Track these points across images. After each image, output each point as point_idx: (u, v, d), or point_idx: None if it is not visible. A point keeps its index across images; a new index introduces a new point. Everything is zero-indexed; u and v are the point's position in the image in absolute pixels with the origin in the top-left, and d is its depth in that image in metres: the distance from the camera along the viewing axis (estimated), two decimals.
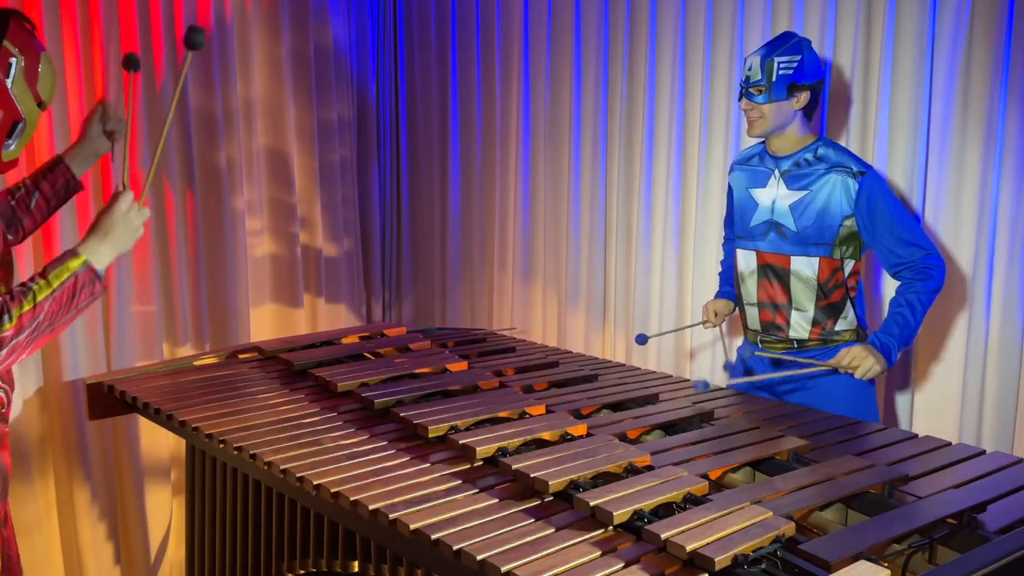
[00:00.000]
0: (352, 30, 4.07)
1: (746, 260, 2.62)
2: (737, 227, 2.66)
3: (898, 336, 2.37)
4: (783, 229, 2.50)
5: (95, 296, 1.79)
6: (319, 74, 3.90)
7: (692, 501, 1.64)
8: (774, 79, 2.43)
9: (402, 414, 2.06)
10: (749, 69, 2.49)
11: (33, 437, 3.10)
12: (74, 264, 1.75)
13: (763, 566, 1.43)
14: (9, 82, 1.80)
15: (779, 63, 2.43)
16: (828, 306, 2.51)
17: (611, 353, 3.59)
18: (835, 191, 2.42)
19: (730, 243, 2.82)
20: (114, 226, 1.81)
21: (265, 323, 3.82)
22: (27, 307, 1.68)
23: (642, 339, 2.88)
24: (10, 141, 1.85)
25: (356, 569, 1.91)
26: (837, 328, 2.53)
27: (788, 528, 1.51)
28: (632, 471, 1.77)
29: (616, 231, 3.55)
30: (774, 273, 2.55)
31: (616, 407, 2.29)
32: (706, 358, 3.30)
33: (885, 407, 2.81)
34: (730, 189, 2.73)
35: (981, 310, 2.61)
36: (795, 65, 2.43)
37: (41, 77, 1.87)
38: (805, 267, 2.48)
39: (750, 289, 2.62)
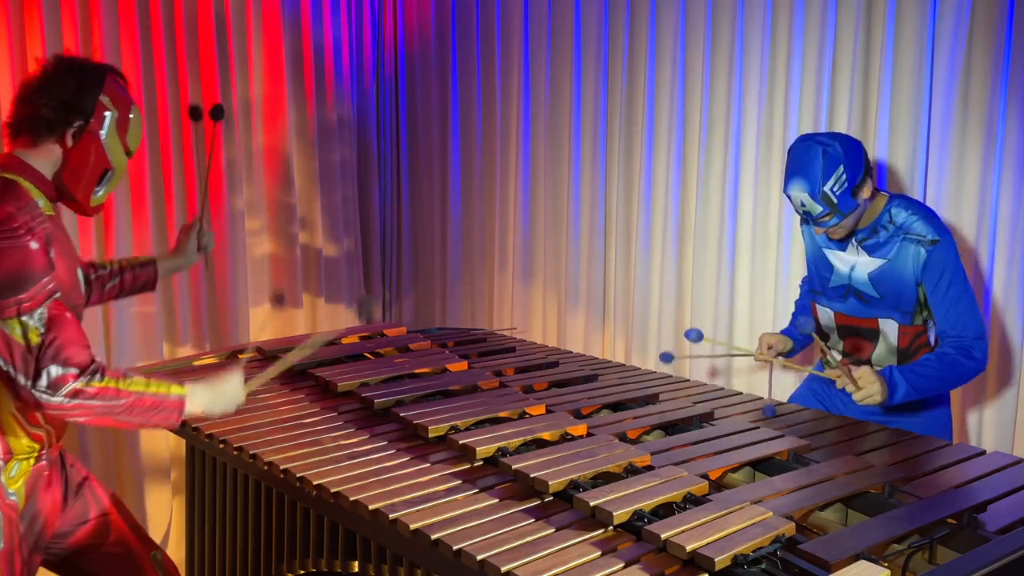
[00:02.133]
0: (352, 30, 4.07)
1: (826, 317, 2.50)
2: (815, 282, 2.54)
3: (912, 380, 2.23)
4: (864, 295, 2.39)
5: (166, 423, 1.87)
6: (319, 74, 3.90)
7: (692, 501, 1.64)
8: (837, 202, 2.25)
9: (402, 414, 2.06)
10: (803, 205, 2.29)
11: None
12: (176, 390, 1.85)
13: (763, 566, 1.43)
14: (103, 133, 1.92)
15: (831, 189, 2.24)
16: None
17: (611, 353, 3.59)
18: (909, 259, 2.29)
19: (808, 286, 2.65)
20: (223, 393, 1.94)
21: (265, 323, 3.82)
22: (120, 385, 1.78)
23: (667, 357, 2.64)
24: (99, 188, 1.97)
25: (356, 569, 1.91)
26: None
27: (788, 528, 1.51)
28: (632, 471, 1.77)
29: (616, 231, 3.55)
30: (858, 332, 2.44)
31: (616, 407, 2.29)
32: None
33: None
34: (804, 235, 2.58)
35: (981, 310, 2.61)
36: (844, 177, 2.24)
37: (131, 129, 1.98)
38: (889, 329, 2.37)
39: (834, 340, 2.51)
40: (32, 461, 1.94)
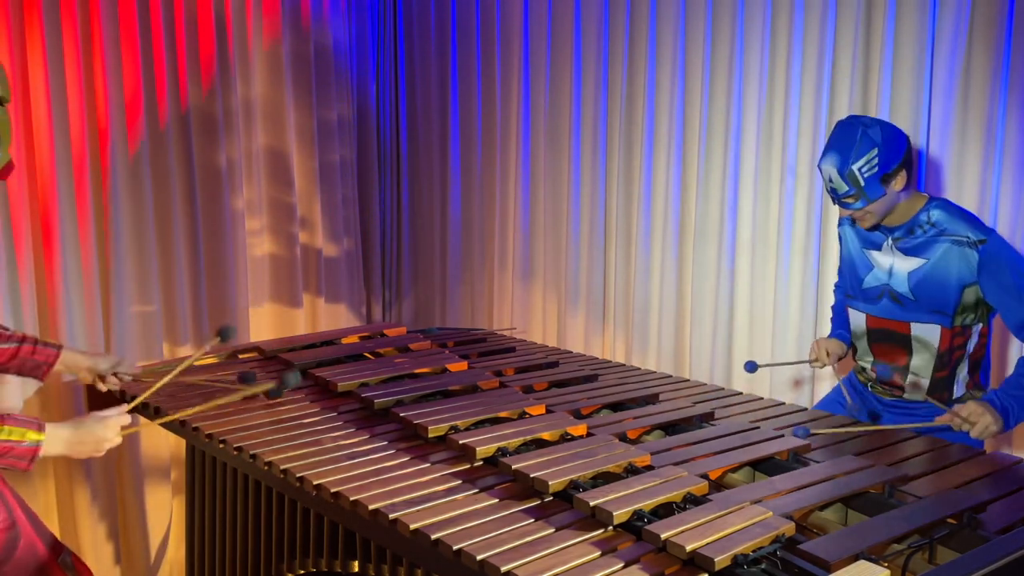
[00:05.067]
0: (352, 30, 4.07)
1: (856, 321, 2.46)
2: (849, 284, 2.50)
3: (1019, 399, 2.14)
4: (899, 296, 2.34)
5: (13, 468, 1.79)
6: (319, 74, 3.90)
7: (692, 501, 1.64)
8: (863, 184, 2.21)
9: (402, 414, 2.06)
10: (830, 181, 2.26)
11: None
12: (31, 436, 1.78)
13: (763, 566, 1.43)
14: None
15: (859, 169, 2.20)
16: (947, 374, 2.35)
17: (611, 353, 3.59)
18: (954, 261, 2.23)
19: (842, 292, 2.63)
20: (92, 434, 1.84)
21: (265, 323, 3.82)
22: None
23: (752, 367, 2.62)
24: None
25: (356, 569, 1.91)
26: (956, 395, 2.36)
27: (788, 528, 1.51)
28: (632, 471, 1.77)
29: (616, 231, 3.55)
30: (890, 337, 2.39)
31: (616, 407, 2.29)
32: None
33: None
34: (840, 239, 2.55)
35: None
36: (876, 161, 2.20)
37: None
38: (927, 334, 2.31)
39: (864, 347, 2.47)
40: None
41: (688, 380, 2.63)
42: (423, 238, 4.31)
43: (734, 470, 1.89)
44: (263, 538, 2.15)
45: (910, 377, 2.37)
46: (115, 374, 2.34)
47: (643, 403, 2.33)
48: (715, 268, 3.23)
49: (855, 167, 2.20)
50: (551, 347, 3.05)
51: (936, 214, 2.28)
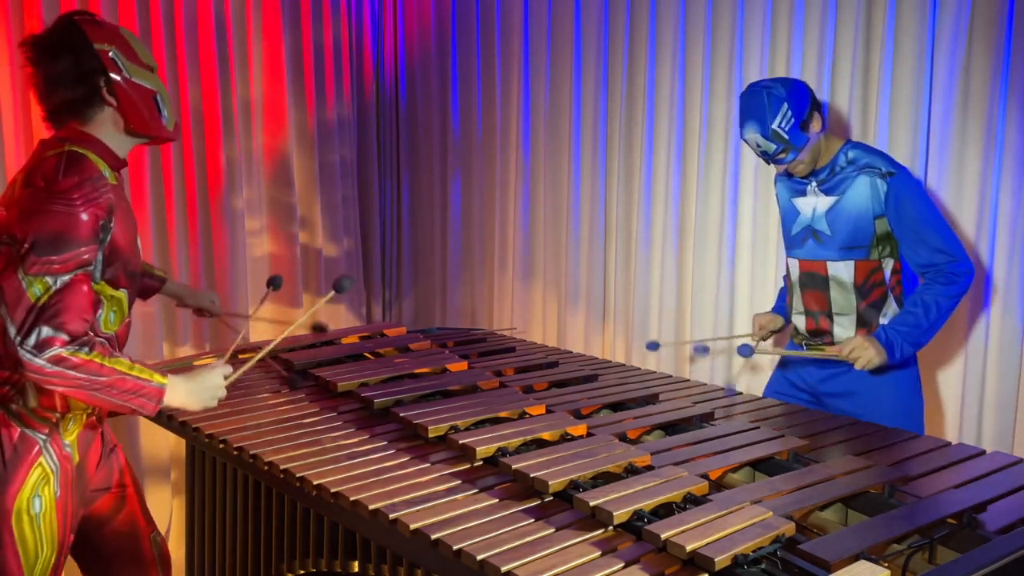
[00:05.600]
0: (352, 30, 4.07)
1: (793, 269, 2.59)
2: (784, 237, 2.64)
3: (906, 334, 2.34)
4: (820, 235, 2.48)
5: (142, 410, 1.85)
6: (319, 74, 3.90)
7: (692, 501, 1.64)
8: (788, 138, 2.39)
9: (402, 414, 2.06)
10: (758, 146, 2.43)
11: None
12: (157, 378, 1.85)
13: (763, 566, 1.43)
14: (124, 71, 1.92)
15: (779, 125, 2.38)
16: (869, 307, 2.47)
17: (611, 353, 3.59)
18: (865, 192, 2.39)
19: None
20: (204, 384, 1.93)
21: (265, 323, 3.82)
22: (103, 361, 1.76)
23: (653, 346, 2.77)
24: (162, 113, 1.99)
25: (356, 569, 1.91)
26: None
27: (788, 528, 1.51)
28: (632, 471, 1.77)
29: (616, 231, 3.55)
30: (814, 280, 2.52)
31: (616, 407, 2.29)
32: (714, 364, 3.30)
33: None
34: (777, 199, 2.69)
35: (981, 310, 2.61)
36: (790, 113, 2.38)
37: (135, 48, 1.97)
38: (842, 271, 2.46)
39: (798, 297, 2.59)
40: (84, 417, 2.01)
41: (688, 380, 2.63)
42: (423, 238, 4.31)
43: (734, 470, 1.88)
44: (263, 538, 2.15)
45: (836, 319, 2.50)
46: (202, 310, 2.60)
47: (643, 403, 2.32)
48: (715, 268, 3.23)
49: (775, 126, 2.38)
50: (551, 347, 3.05)
51: (853, 152, 2.45)
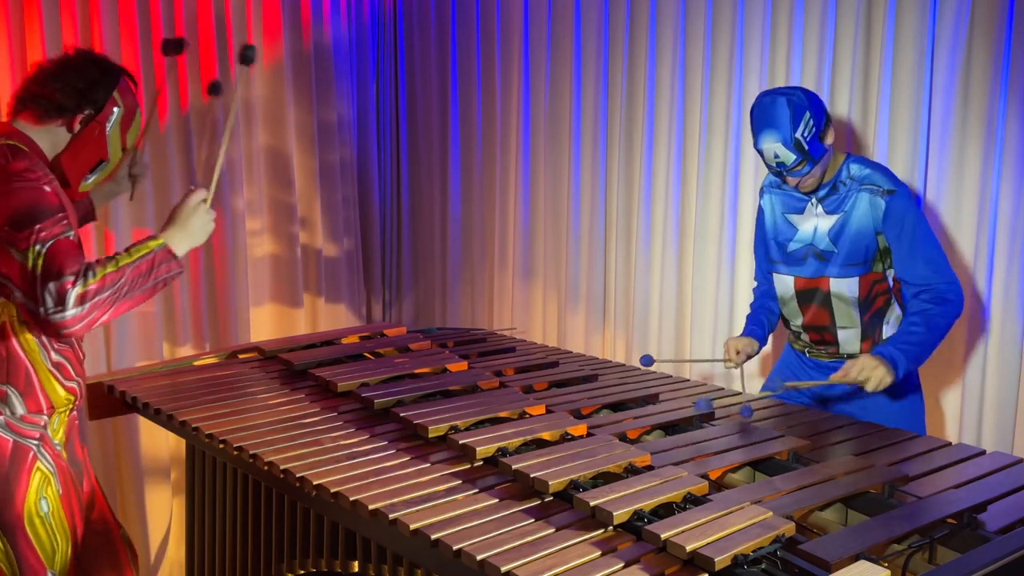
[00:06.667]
0: (352, 30, 4.07)
1: (784, 285, 2.53)
2: (772, 252, 2.56)
3: (907, 351, 2.27)
4: (823, 253, 2.42)
5: (172, 273, 1.96)
6: (319, 74, 3.90)
7: (692, 501, 1.64)
8: (807, 148, 2.30)
9: (402, 414, 2.06)
10: (776, 156, 2.32)
11: None
12: (153, 244, 1.94)
13: (763, 566, 1.43)
14: (109, 126, 2.06)
15: (802, 134, 2.29)
16: (874, 316, 2.44)
17: (611, 353, 3.59)
18: (866, 209, 2.35)
19: (763, 272, 2.69)
20: (188, 217, 2.01)
21: (265, 323, 3.82)
22: (110, 268, 1.85)
23: (647, 360, 2.66)
24: (91, 175, 2.10)
25: (356, 569, 1.91)
26: (887, 335, 2.44)
27: (788, 528, 1.51)
28: (632, 471, 1.77)
29: (616, 231, 3.55)
30: (814, 297, 2.47)
31: (616, 407, 2.29)
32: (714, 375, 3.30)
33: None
34: (761, 212, 2.62)
35: (981, 310, 2.61)
36: (812, 122, 2.29)
37: (132, 127, 2.12)
38: (845, 287, 2.41)
39: (793, 311, 2.54)
40: (67, 413, 2.09)
41: (688, 380, 2.63)
42: (423, 238, 4.31)
43: (734, 470, 1.89)
44: (263, 538, 2.15)
45: (840, 333, 2.47)
46: (132, 173, 2.45)
47: (643, 403, 2.33)
48: (715, 268, 3.23)
49: (798, 135, 2.29)
50: (551, 347, 3.05)
51: (855, 168, 2.40)
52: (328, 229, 4.01)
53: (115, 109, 2.06)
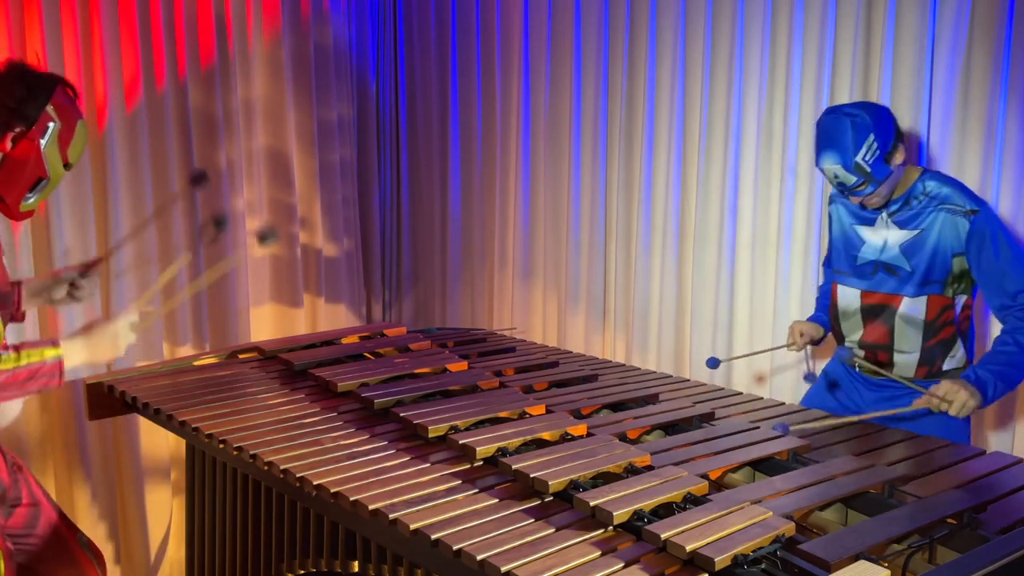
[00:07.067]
0: (352, 30, 4.07)
1: (848, 298, 2.47)
2: (839, 262, 2.50)
3: (997, 373, 2.17)
4: (894, 269, 2.36)
5: (47, 388, 1.91)
6: (319, 74, 3.90)
7: (692, 501, 1.64)
8: (870, 170, 2.23)
9: (402, 414, 2.06)
10: (836, 177, 2.27)
11: (33, 437, 3.10)
12: (48, 353, 1.89)
13: (763, 566, 1.43)
14: (44, 143, 1.97)
15: (863, 158, 2.22)
16: (938, 344, 2.35)
17: (611, 353, 3.59)
18: (946, 230, 2.27)
19: (829, 273, 2.63)
20: (104, 336, 1.98)
21: (265, 323, 3.82)
22: None
23: (714, 363, 2.63)
24: (31, 195, 2.03)
25: (356, 569, 1.91)
26: (946, 368, 2.36)
27: (788, 528, 1.51)
28: (632, 471, 1.77)
29: (616, 232, 3.55)
30: (879, 313, 2.41)
31: (616, 407, 2.29)
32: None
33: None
34: (830, 219, 2.56)
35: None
36: (876, 145, 2.22)
37: (74, 142, 2.03)
38: (913, 308, 2.34)
39: (854, 325, 2.47)
40: None
41: (688, 380, 2.63)
42: (423, 238, 4.31)
43: (734, 470, 1.88)
44: (263, 538, 2.15)
45: (897, 356, 2.39)
46: (73, 295, 2.36)
47: (643, 403, 2.32)
48: (715, 268, 3.23)
49: (859, 158, 2.23)
50: (551, 347, 3.05)
51: (931, 184, 2.32)
52: (328, 229, 4.01)
53: (50, 124, 1.97)
